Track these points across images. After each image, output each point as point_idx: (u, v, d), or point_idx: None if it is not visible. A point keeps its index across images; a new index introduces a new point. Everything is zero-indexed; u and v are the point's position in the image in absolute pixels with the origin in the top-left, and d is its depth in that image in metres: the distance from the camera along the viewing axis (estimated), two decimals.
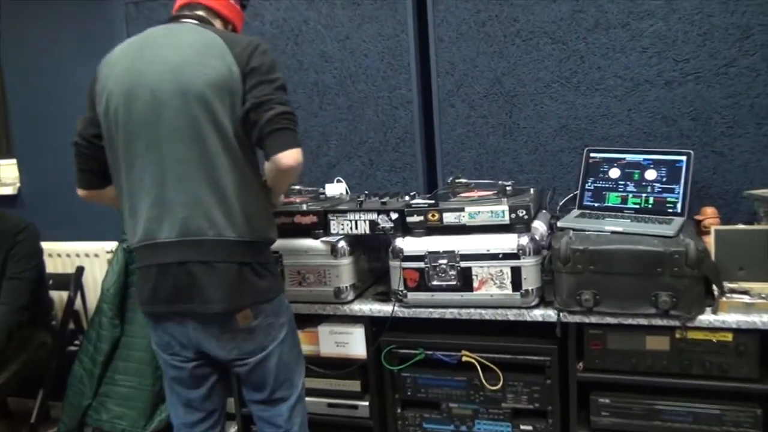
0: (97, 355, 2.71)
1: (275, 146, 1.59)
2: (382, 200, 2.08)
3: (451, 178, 2.29)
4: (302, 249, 2.08)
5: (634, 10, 2.15)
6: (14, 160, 3.32)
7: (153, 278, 1.65)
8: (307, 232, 2.09)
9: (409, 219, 1.96)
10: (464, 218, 1.91)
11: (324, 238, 2.06)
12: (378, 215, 2.01)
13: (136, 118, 1.65)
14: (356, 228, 2.04)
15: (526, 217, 1.86)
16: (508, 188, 2.09)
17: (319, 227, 2.07)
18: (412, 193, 2.22)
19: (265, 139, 1.59)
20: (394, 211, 1.99)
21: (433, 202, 1.96)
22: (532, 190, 2.08)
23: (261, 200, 1.70)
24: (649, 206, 2.06)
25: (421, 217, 1.95)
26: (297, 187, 2.48)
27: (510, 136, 2.35)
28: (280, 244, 2.09)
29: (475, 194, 2.08)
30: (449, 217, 1.92)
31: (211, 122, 1.60)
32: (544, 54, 2.27)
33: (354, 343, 2.09)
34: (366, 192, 2.28)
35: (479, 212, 1.90)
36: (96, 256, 3.08)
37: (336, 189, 2.50)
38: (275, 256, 2.06)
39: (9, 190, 3.30)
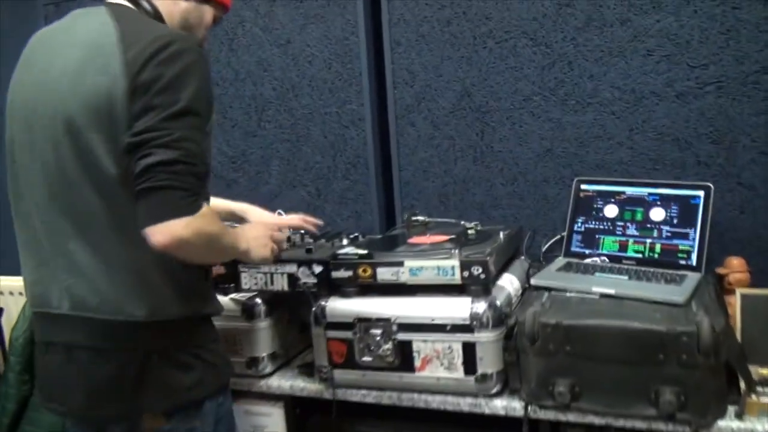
0: (2, 416, 2.30)
1: (144, 216, 1.10)
2: (308, 247, 1.63)
3: (406, 215, 1.84)
4: None
5: (636, 2, 1.67)
6: None
7: (41, 360, 1.28)
8: (216, 286, 1.65)
9: (335, 274, 1.51)
10: (404, 275, 1.45)
11: (234, 295, 1.62)
12: (298, 268, 1.56)
13: (16, 149, 1.25)
14: (272, 283, 1.59)
15: (483, 276, 1.39)
16: (470, 232, 1.63)
17: (228, 281, 1.63)
18: (352, 235, 1.77)
19: (137, 203, 1.11)
20: (318, 263, 1.54)
21: (365, 252, 1.50)
22: (501, 235, 1.61)
23: (171, 264, 1.20)
24: (655, 256, 1.58)
25: (350, 272, 1.49)
26: (226, 222, 2.04)
27: (482, 162, 1.88)
28: None
29: (428, 240, 1.62)
30: (385, 274, 1.47)
31: (80, 161, 1.16)
32: (523, 59, 1.80)
33: (273, 427, 1.64)
34: (302, 231, 1.84)
35: (422, 268, 1.44)
36: (21, 294, 2.69)
37: None
38: None
39: None
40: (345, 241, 1.71)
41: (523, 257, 1.77)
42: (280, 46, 2.06)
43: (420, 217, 1.82)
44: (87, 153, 1.14)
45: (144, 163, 1.09)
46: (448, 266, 1.41)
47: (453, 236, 1.62)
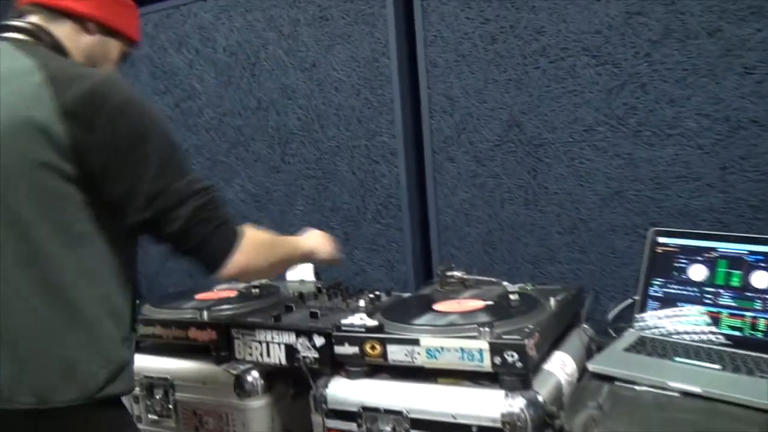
0: None
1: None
2: (312, 310, 1.35)
3: (440, 269, 1.53)
4: (198, 378, 1.39)
5: (728, 7, 1.32)
6: None
7: None
8: (208, 352, 1.40)
9: (339, 350, 1.22)
10: (419, 357, 1.15)
11: (227, 366, 1.36)
12: (297, 338, 1.29)
13: None
14: (268, 354, 1.32)
15: (519, 364, 1.06)
16: (513, 297, 1.30)
17: (222, 348, 1.37)
18: (375, 293, 1.48)
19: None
20: (320, 333, 1.26)
21: (374, 324, 1.20)
22: (553, 302, 1.28)
23: (93, 330, 1.03)
24: (758, 336, 1.21)
25: (355, 349, 1.20)
26: None
27: (534, 206, 1.56)
28: (171, 368, 1.42)
29: (457, 307, 1.30)
30: (397, 353, 1.16)
31: None
32: (584, 81, 1.47)
33: None
34: (325, 285, 1.57)
35: (442, 349, 1.12)
36: None
37: (300, 272, 1.81)
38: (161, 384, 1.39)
39: None
40: (362, 302, 1.42)
41: (584, 326, 1.42)
42: (304, 71, 1.82)
43: (456, 273, 1.51)
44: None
45: (175, 231, 1.04)
46: (474, 349, 1.09)
47: (491, 302, 1.30)
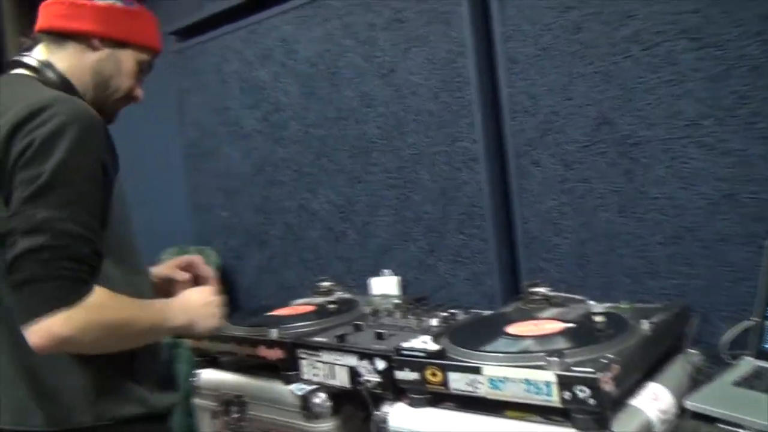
0: None
1: (17, 315, 0.95)
2: (378, 331, 1.27)
3: (525, 284, 1.40)
4: (268, 397, 1.36)
5: None
6: None
7: None
8: (276, 371, 1.37)
9: (399, 375, 1.13)
10: (482, 386, 1.03)
11: (295, 386, 1.32)
12: (359, 360, 1.21)
13: None
14: (333, 376, 1.26)
15: (592, 401, 0.92)
16: (597, 319, 1.15)
17: (290, 367, 1.33)
18: (450, 311, 1.38)
19: (14, 301, 0.97)
20: (381, 357, 1.18)
21: (436, 348, 1.10)
22: (647, 325, 1.11)
23: (80, 361, 1.05)
24: None
25: (416, 375, 1.11)
26: (326, 284, 1.77)
27: (631, 213, 1.38)
28: (243, 385, 1.41)
29: (534, 329, 1.17)
30: (458, 381, 1.06)
31: None
32: (684, 69, 1.28)
33: None
34: (407, 301, 1.50)
35: (506, 380, 1.00)
36: None
37: (384, 286, 1.75)
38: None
39: None
40: (434, 321, 1.33)
41: (690, 352, 1.23)
42: (382, 77, 1.75)
43: (542, 289, 1.37)
44: None
45: (10, 255, 0.93)
46: (540, 381, 0.96)
47: (572, 324, 1.16)
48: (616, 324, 1.13)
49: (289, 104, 1.99)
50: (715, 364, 1.21)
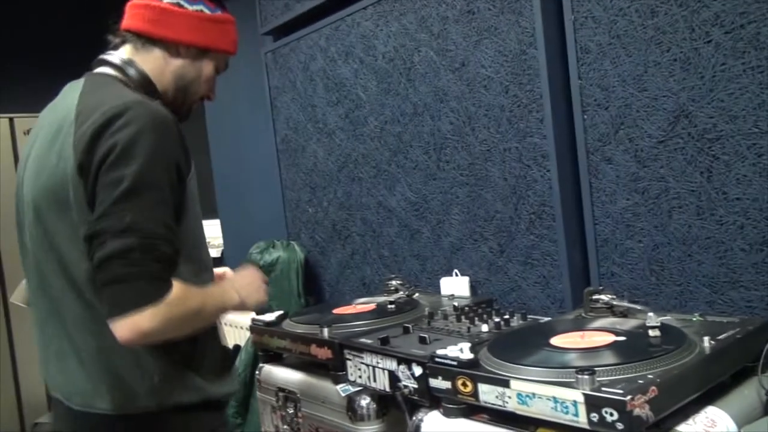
0: None
1: (107, 311, 1.01)
2: (422, 335, 1.24)
3: (587, 291, 1.30)
4: (319, 395, 1.37)
5: None
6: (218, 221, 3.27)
7: None
8: (327, 371, 1.37)
9: (433, 382, 1.09)
10: (510, 401, 0.97)
11: (341, 386, 1.32)
12: (398, 365, 1.19)
13: (20, 229, 1.23)
14: (374, 379, 1.24)
15: (619, 425, 0.83)
16: (652, 333, 1.05)
17: (338, 367, 1.33)
18: (504, 316, 1.31)
19: (100, 297, 1.03)
20: (418, 363, 1.14)
21: (469, 357, 1.05)
22: (707, 343, 1.00)
23: (145, 350, 1.10)
24: None
25: (448, 383, 1.06)
26: (394, 282, 1.75)
27: (711, 215, 1.24)
28: (298, 382, 1.43)
29: (582, 338, 1.08)
30: (488, 394, 1.00)
31: (47, 248, 1.11)
32: None
33: None
34: (472, 303, 1.46)
35: (534, 396, 0.94)
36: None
37: (455, 286, 1.71)
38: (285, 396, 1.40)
39: (215, 253, 3.25)
40: (485, 327, 1.27)
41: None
42: (455, 71, 1.70)
43: (604, 296, 1.27)
44: (51, 240, 1.09)
45: (100, 256, 0.99)
46: (568, 400, 0.89)
47: (622, 338, 1.06)
48: (673, 339, 1.02)
49: (367, 101, 1.99)
50: None
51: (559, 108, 1.47)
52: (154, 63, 1.20)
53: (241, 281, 1.27)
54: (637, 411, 0.83)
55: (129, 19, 1.22)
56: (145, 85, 1.18)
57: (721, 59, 1.19)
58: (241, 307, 1.24)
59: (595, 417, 0.86)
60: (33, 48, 4.13)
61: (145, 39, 1.19)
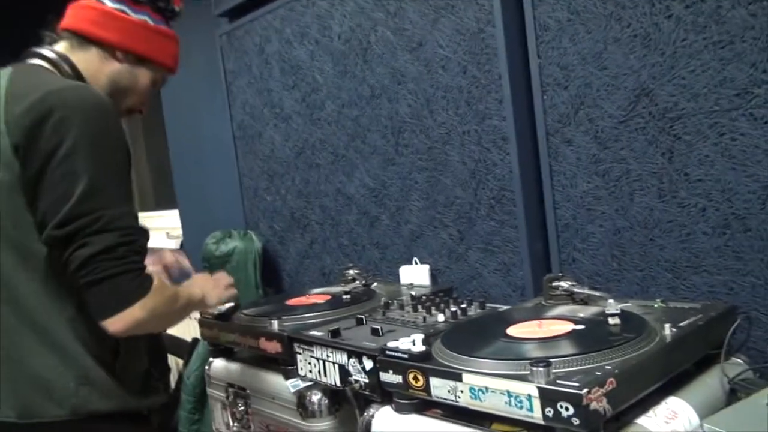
0: None
1: (97, 309, 1.00)
2: (374, 326, 1.17)
3: (546, 278, 1.25)
4: (269, 391, 1.31)
5: None
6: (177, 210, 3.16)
7: None
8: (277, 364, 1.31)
9: (384, 377, 1.03)
10: (462, 396, 0.91)
11: (290, 382, 1.25)
12: (349, 359, 1.12)
13: None
14: (324, 373, 1.18)
15: (575, 420, 0.78)
16: (611, 321, 1.00)
17: (288, 361, 1.27)
18: (462, 305, 1.26)
19: (84, 296, 1.00)
20: (368, 356, 1.08)
21: (421, 350, 0.99)
22: (668, 330, 0.95)
23: (65, 354, 1.03)
24: None
25: (399, 378, 1.00)
26: (352, 272, 1.69)
27: (672, 198, 1.20)
28: (247, 377, 1.36)
29: (539, 327, 1.03)
30: (440, 388, 0.94)
31: None
32: (734, 28, 1.08)
33: None
34: (431, 292, 1.40)
35: (487, 390, 0.88)
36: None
37: (414, 275, 1.65)
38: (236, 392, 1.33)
39: (173, 244, 3.15)
40: (441, 317, 1.21)
41: (736, 362, 1.05)
42: (411, 51, 1.63)
43: (563, 283, 1.22)
44: None
45: (83, 255, 0.96)
46: (522, 394, 0.84)
47: (581, 326, 1.01)
48: (633, 327, 0.97)
49: (324, 84, 1.91)
50: (765, 377, 1.02)
51: (518, 88, 1.42)
52: (89, 63, 1.16)
53: (197, 281, 1.29)
54: (594, 405, 0.78)
55: (69, 18, 1.19)
56: (77, 79, 1.13)
57: (681, 34, 1.14)
58: (204, 302, 1.26)
59: (550, 412, 0.81)
60: None
61: (82, 38, 1.16)
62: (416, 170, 1.68)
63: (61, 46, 1.17)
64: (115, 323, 0.99)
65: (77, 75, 1.13)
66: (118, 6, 1.16)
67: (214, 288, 1.30)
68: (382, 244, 1.82)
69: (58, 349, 1.02)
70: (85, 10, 1.17)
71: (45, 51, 1.15)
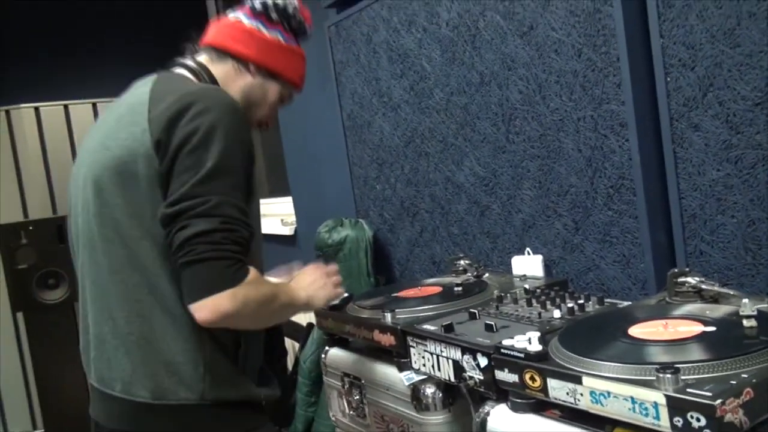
0: None
1: (187, 292, 1.04)
2: (488, 322, 1.16)
3: (671, 272, 1.19)
4: (383, 383, 1.33)
5: None
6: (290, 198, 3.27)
7: None
8: (392, 357, 1.32)
9: (499, 375, 1.02)
10: (582, 399, 0.88)
11: (405, 374, 1.27)
12: (462, 355, 1.12)
13: (72, 212, 1.23)
14: (438, 368, 1.18)
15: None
16: (747, 324, 0.93)
17: (402, 354, 1.28)
18: (579, 301, 1.22)
19: (181, 277, 1.04)
20: (483, 354, 1.07)
21: (538, 350, 0.97)
22: None
23: (195, 340, 1.08)
24: None
25: (515, 377, 0.99)
26: (462, 262, 1.68)
27: None
28: (362, 367, 1.39)
29: (665, 327, 0.98)
30: (559, 390, 0.92)
31: (102, 224, 1.11)
32: None
33: None
34: (544, 285, 1.37)
35: (609, 395, 0.85)
36: None
37: (527, 265, 1.62)
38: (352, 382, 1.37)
39: (287, 231, 3.26)
40: (557, 313, 1.18)
41: None
42: (522, 36, 1.58)
43: (691, 279, 1.15)
44: (110, 215, 1.09)
45: (182, 236, 1.00)
46: (647, 401, 0.80)
47: (711, 328, 0.95)
48: None
49: (432, 72, 1.90)
50: None
51: (638, 71, 1.34)
52: (225, 74, 1.25)
53: (305, 280, 1.28)
54: (729, 417, 0.73)
55: (211, 36, 1.30)
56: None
57: None
58: (309, 307, 1.28)
59: (679, 421, 0.76)
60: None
61: (221, 51, 1.26)
62: (528, 158, 1.63)
63: (202, 58, 1.27)
64: (202, 309, 1.01)
65: (214, 81, 1.23)
66: (254, 24, 1.26)
67: (322, 288, 1.29)
68: (493, 234, 1.79)
69: (188, 335, 1.08)
70: (225, 28, 1.28)
71: (187, 61, 1.26)
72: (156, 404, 1.09)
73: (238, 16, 1.28)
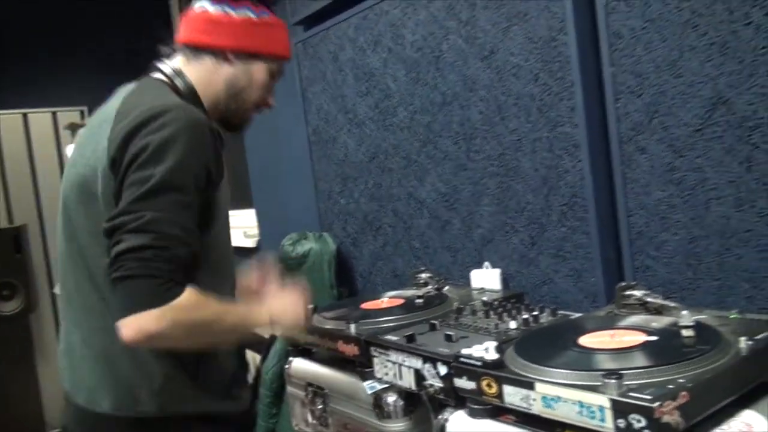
0: None
1: (113, 308, 1.01)
2: (447, 332, 1.21)
3: (618, 286, 1.26)
4: (346, 392, 1.37)
5: None
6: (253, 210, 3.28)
7: None
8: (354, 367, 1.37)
9: (458, 382, 1.07)
10: (535, 404, 0.94)
11: (368, 383, 1.31)
12: (424, 364, 1.17)
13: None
14: (400, 376, 1.23)
15: None
16: (685, 333, 1.01)
17: (365, 364, 1.32)
18: (534, 313, 1.28)
19: (113, 294, 1.02)
20: (443, 362, 1.13)
21: (494, 358, 1.02)
22: (743, 344, 0.95)
23: (153, 355, 1.12)
24: None
25: (473, 384, 1.04)
26: (424, 275, 1.73)
27: (750, 207, 1.18)
28: (326, 377, 1.43)
29: (611, 338, 1.05)
30: (513, 396, 0.98)
31: (69, 239, 1.14)
32: None
33: None
34: (501, 297, 1.43)
35: (559, 399, 0.91)
36: None
37: (485, 279, 1.69)
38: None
39: (250, 243, 3.28)
40: (513, 324, 1.24)
41: None
42: (483, 59, 1.66)
43: (636, 292, 1.22)
44: (72, 232, 1.12)
45: (114, 251, 0.99)
46: (594, 405, 0.86)
47: (654, 337, 1.02)
48: (708, 339, 0.98)
49: (396, 91, 1.96)
50: None
51: (591, 96, 1.42)
52: (203, 72, 1.21)
53: (278, 302, 1.25)
54: (666, 418, 0.80)
55: (181, 33, 1.25)
56: (189, 93, 1.20)
57: (761, 42, 1.13)
58: (272, 329, 1.24)
59: (622, 423, 0.83)
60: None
61: (195, 48, 1.21)
62: (487, 176, 1.70)
63: (178, 60, 1.23)
64: (125, 328, 0.98)
65: (190, 89, 1.18)
66: (219, 8, 1.20)
67: (289, 314, 1.25)
68: (453, 248, 1.85)
69: (144, 351, 1.09)
70: (192, 22, 1.22)
71: (161, 65, 1.21)
72: (117, 416, 1.11)
73: (203, 5, 1.21)
